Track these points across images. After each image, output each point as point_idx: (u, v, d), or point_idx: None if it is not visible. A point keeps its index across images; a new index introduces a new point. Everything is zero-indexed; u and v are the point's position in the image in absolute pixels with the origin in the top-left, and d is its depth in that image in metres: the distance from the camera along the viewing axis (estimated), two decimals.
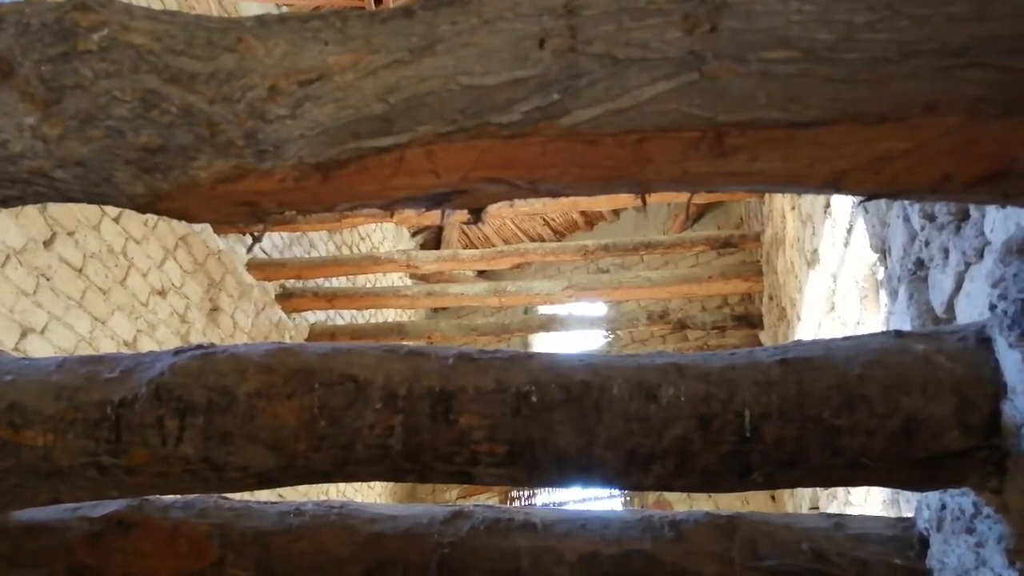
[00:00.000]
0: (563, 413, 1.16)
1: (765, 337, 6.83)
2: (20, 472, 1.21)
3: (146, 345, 5.28)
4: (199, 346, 1.32)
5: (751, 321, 6.98)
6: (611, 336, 8.49)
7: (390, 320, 8.08)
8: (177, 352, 1.30)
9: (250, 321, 6.36)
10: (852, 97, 0.65)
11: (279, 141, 0.70)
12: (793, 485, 1.19)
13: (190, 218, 0.78)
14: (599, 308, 7.73)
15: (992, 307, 1.23)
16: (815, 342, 1.25)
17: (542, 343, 8.83)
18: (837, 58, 0.65)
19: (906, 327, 2.04)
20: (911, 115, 0.65)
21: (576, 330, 7.59)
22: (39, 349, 4.48)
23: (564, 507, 7.16)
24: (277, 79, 0.69)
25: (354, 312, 7.77)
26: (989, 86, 0.63)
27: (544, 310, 7.34)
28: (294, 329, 7.01)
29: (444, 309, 8.09)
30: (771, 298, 6.03)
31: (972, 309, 1.59)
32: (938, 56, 0.65)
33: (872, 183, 0.73)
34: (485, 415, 1.17)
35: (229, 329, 6.15)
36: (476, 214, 0.82)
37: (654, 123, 0.67)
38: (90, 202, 0.77)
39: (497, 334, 7.41)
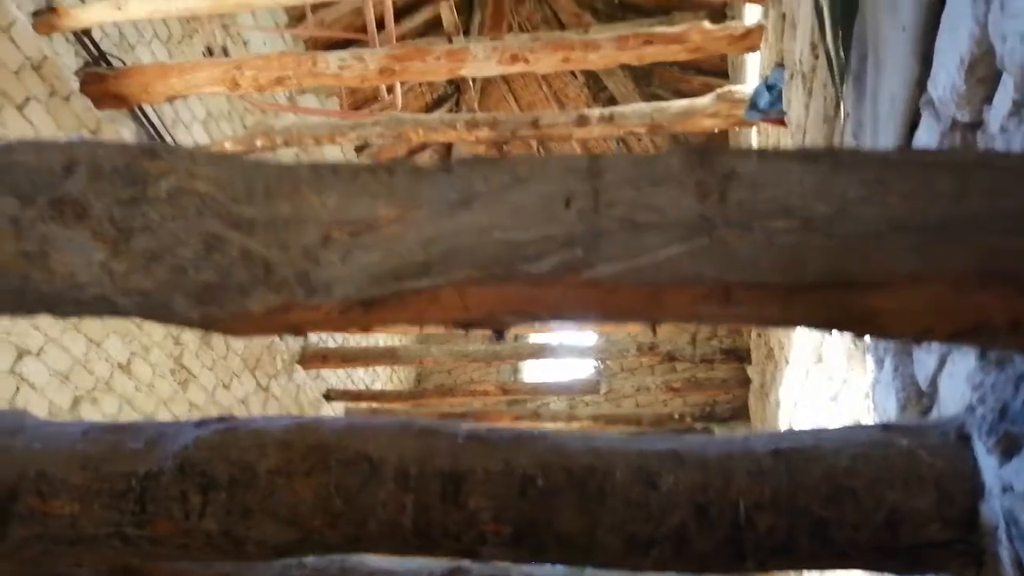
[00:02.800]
0: (567, 497, 1.23)
1: (752, 372, 6.91)
2: (46, 540, 1.27)
3: (139, 367, 5.30)
4: (220, 418, 1.39)
5: (739, 355, 7.06)
6: (601, 366, 8.56)
7: (381, 344, 8.11)
8: (200, 424, 1.36)
9: (242, 343, 6.38)
10: (844, 267, 0.73)
11: (328, 281, 0.77)
12: (785, 570, 1.27)
13: (236, 335, 0.86)
14: (589, 338, 7.82)
15: (971, 408, 1.31)
16: (806, 432, 1.33)
17: (532, 370, 8.89)
18: (833, 230, 0.73)
19: (890, 398, 2.12)
20: (896, 284, 0.73)
21: (566, 359, 7.64)
22: (35, 372, 4.50)
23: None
24: (330, 228, 0.76)
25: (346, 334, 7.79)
26: (968, 262, 0.72)
27: (535, 338, 7.41)
28: (286, 352, 7.03)
29: (435, 334, 8.15)
30: (759, 335, 6.11)
31: (955, 389, 1.67)
32: (922, 232, 0.73)
33: (860, 329, 0.82)
34: (492, 496, 1.23)
35: (222, 351, 6.17)
36: (499, 333, 0.89)
37: (668, 279, 0.75)
38: (144, 319, 0.84)
39: (488, 361, 7.45)
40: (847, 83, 2.29)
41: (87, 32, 4.81)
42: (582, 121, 5.15)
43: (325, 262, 0.77)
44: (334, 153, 7.84)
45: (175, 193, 0.76)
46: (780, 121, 3.97)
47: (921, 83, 1.66)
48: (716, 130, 5.45)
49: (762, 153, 0.78)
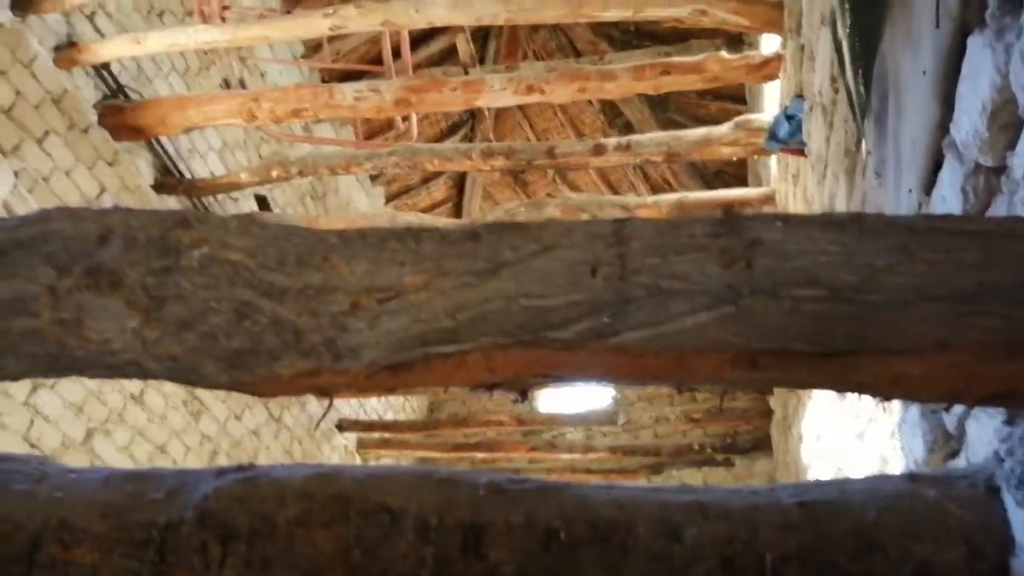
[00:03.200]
0: (590, 551, 1.23)
1: (775, 403, 6.86)
2: None
3: (152, 398, 5.34)
4: (240, 467, 1.40)
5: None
6: (618, 395, 8.52)
7: None
8: (220, 473, 1.38)
9: None
10: (873, 335, 0.74)
11: (356, 347, 0.79)
12: None
13: (264, 396, 0.88)
14: None
15: (1000, 459, 1.31)
16: (832, 482, 1.33)
17: (548, 399, 8.87)
18: (860, 299, 0.75)
19: (917, 440, 2.11)
20: (925, 351, 0.74)
21: (583, 388, 7.63)
22: (49, 404, 4.54)
23: None
24: (359, 296, 0.78)
25: None
26: (995, 332, 0.73)
27: None
28: None
29: None
30: None
31: (982, 433, 1.67)
32: (949, 301, 0.74)
33: (889, 393, 0.82)
34: (514, 550, 1.24)
35: None
36: (523, 394, 0.91)
37: (695, 345, 0.77)
38: (173, 382, 0.86)
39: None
40: (868, 120, 2.30)
41: (106, 66, 4.91)
42: (599, 150, 5.18)
43: (353, 328, 0.79)
44: (349, 182, 7.92)
45: (208, 262, 0.79)
46: (800, 152, 3.99)
47: (943, 126, 1.67)
48: (734, 158, 5.47)
49: (787, 219, 0.80)
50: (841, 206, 3.04)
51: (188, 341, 0.79)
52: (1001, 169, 1.50)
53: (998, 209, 1.52)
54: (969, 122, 1.52)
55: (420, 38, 6.91)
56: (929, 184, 1.82)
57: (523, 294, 0.79)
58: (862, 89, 2.26)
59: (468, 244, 0.81)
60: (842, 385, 0.81)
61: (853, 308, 0.75)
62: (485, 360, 0.81)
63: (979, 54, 1.45)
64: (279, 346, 0.79)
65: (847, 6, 2.28)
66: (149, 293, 0.79)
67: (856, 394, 0.84)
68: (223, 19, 4.85)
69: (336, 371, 0.81)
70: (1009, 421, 1.26)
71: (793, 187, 4.56)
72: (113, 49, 4.58)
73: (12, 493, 1.37)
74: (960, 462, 1.84)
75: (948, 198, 1.71)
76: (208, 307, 0.78)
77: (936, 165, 1.78)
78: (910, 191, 1.94)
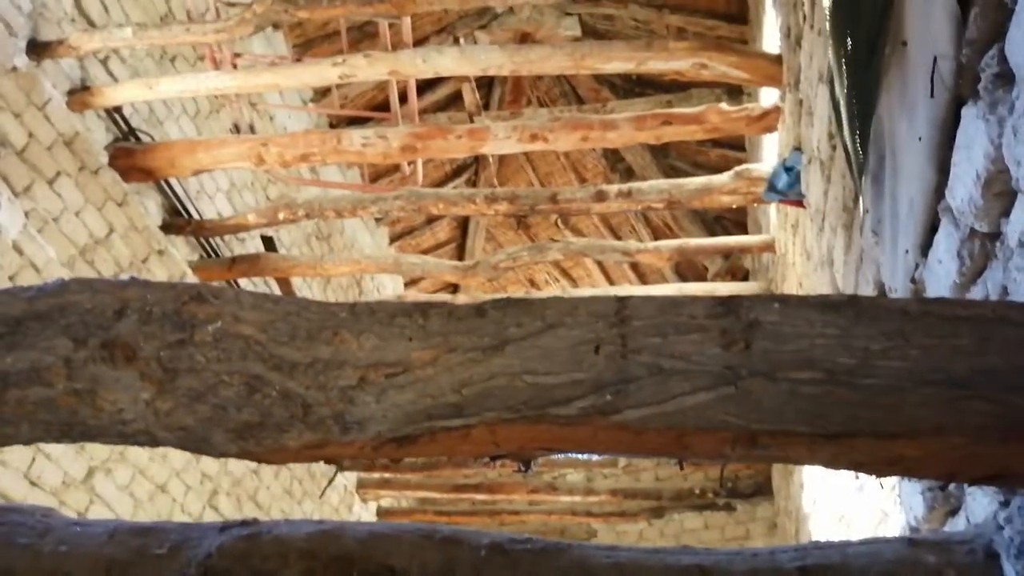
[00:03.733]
0: None
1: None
2: None
3: None
4: (244, 522, 1.40)
5: None
6: None
7: None
8: (223, 529, 1.38)
9: None
10: (870, 417, 0.75)
11: (363, 420, 0.81)
12: None
13: (270, 464, 0.89)
14: None
15: (999, 526, 1.31)
16: (832, 546, 1.32)
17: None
18: (856, 382, 0.76)
19: (917, 496, 2.11)
20: (921, 435, 0.75)
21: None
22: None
23: None
24: (367, 371, 0.80)
25: None
26: (988, 416, 0.74)
27: None
28: None
29: None
30: None
31: (982, 494, 1.66)
32: (944, 386, 0.75)
33: (886, 471, 0.83)
34: None
35: None
36: (526, 465, 0.92)
37: (695, 425, 0.78)
38: (182, 450, 0.87)
39: None
40: (865, 179, 2.34)
41: (118, 109, 4.98)
42: (600, 196, 5.23)
43: (361, 402, 0.81)
44: (354, 223, 7.98)
45: (221, 337, 0.80)
46: (799, 203, 4.03)
47: (939, 190, 1.70)
48: (734, 206, 5.51)
49: (785, 301, 0.82)
50: (839, 259, 3.06)
51: (199, 413, 0.81)
52: (996, 235, 1.52)
53: (993, 274, 1.54)
54: (964, 189, 1.54)
55: (426, 84, 7.02)
56: (925, 245, 1.84)
57: (527, 371, 0.80)
58: (859, 149, 2.29)
59: (474, 320, 0.83)
60: (840, 464, 0.82)
61: (850, 392, 0.76)
62: (490, 434, 0.82)
63: (973, 125, 1.48)
64: (287, 419, 0.81)
65: (844, 68, 2.33)
66: (163, 366, 0.80)
67: (854, 471, 0.85)
68: (234, 66, 4.94)
69: (343, 443, 0.82)
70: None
71: (792, 236, 4.59)
72: (126, 93, 4.65)
73: (16, 547, 1.37)
74: (960, 520, 1.83)
75: (944, 261, 1.73)
76: (220, 380, 0.80)
77: (932, 227, 1.80)
78: (907, 252, 1.96)
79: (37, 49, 4.48)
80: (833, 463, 0.82)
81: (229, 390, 0.80)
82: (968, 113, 1.51)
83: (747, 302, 0.81)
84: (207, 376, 0.80)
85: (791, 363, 0.77)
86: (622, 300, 0.83)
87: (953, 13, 1.49)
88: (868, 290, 2.55)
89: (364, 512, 8.20)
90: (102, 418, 0.82)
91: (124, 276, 5.01)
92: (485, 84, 8.08)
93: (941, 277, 1.78)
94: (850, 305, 0.80)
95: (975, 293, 1.63)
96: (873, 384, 0.76)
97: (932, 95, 1.61)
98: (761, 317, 0.80)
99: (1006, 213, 1.46)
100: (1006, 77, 1.39)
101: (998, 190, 1.45)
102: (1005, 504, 1.36)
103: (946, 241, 1.71)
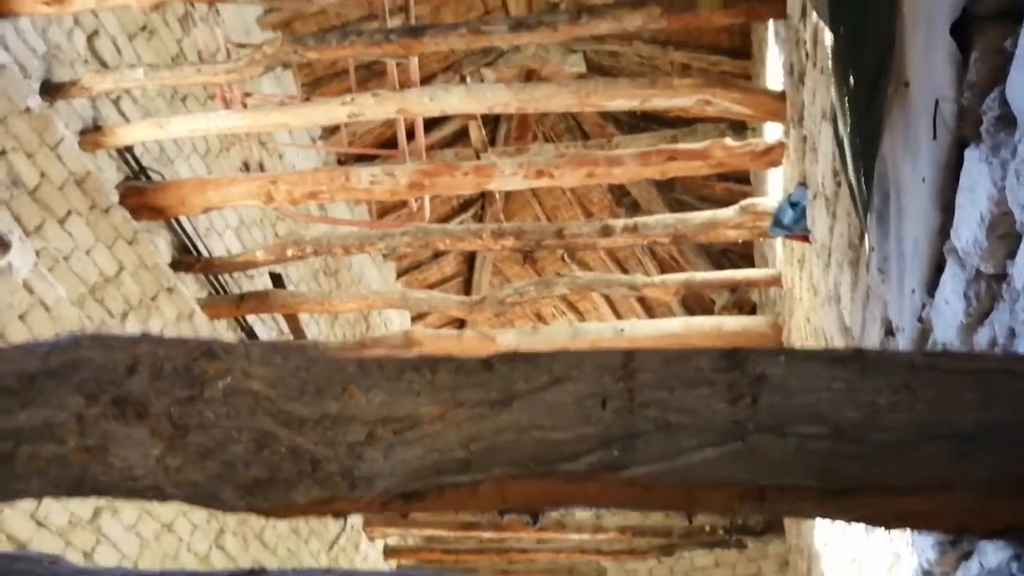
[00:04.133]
0: None
1: None
2: None
3: None
4: (251, 571, 1.40)
5: None
6: None
7: None
8: None
9: None
10: (878, 473, 0.75)
11: (371, 476, 0.81)
12: None
13: (279, 519, 0.89)
14: None
15: (1011, 574, 1.30)
16: None
17: None
18: (864, 437, 0.76)
19: (929, 539, 2.08)
20: (929, 490, 0.75)
21: None
22: None
23: None
24: (375, 427, 0.80)
25: None
26: (997, 471, 0.74)
27: None
28: None
29: None
30: None
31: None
32: (951, 441, 0.75)
33: (896, 525, 0.83)
34: None
35: None
36: (534, 518, 0.91)
37: (703, 480, 0.78)
38: (191, 504, 0.87)
39: None
40: (870, 217, 2.35)
41: (129, 148, 5.05)
42: (606, 231, 5.25)
43: (369, 458, 0.81)
44: (362, 258, 8.01)
45: (231, 393, 0.81)
46: (805, 238, 4.03)
47: (944, 231, 1.71)
48: (740, 240, 5.52)
49: (791, 354, 0.82)
50: (846, 296, 3.06)
51: (209, 469, 0.81)
52: (1002, 277, 1.53)
53: (1000, 316, 1.54)
54: (969, 231, 1.55)
55: (433, 120, 7.09)
56: (932, 285, 1.85)
57: (535, 426, 0.80)
58: (864, 187, 2.30)
59: (482, 375, 0.83)
60: (849, 518, 0.82)
61: (857, 447, 0.76)
62: (498, 490, 0.82)
63: (976, 167, 1.49)
64: (296, 475, 0.81)
65: (847, 106, 2.35)
66: (173, 422, 0.81)
67: (864, 525, 0.85)
68: (244, 105, 5.00)
69: (351, 499, 0.83)
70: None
71: (799, 271, 4.60)
72: (137, 133, 4.72)
73: None
74: (973, 565, 1.81)
75: (951, 301, 1.73)
76: (229, 436, 0.80)
77: (938, 267, 1.80)
78: (913, 291, 1.96)
79: (50, 90, 4.55)
80: (842, 517, 0.82)
81: (238, 446, 0.80)
82: (971, 155, 1.52)
83: (753, 355, 0.82)
84: (216, 432, 0.81)
85: (798, 418, 0.78)
86: (628, 354, 0.84)
87: (954, 56, 1.51)
88: (875, 328, 2.54)
89: (371, 550, 8.13)
90: (112, 474, 0.82)
91: (133, 314, 5.03)
92: (491, 120, 8.16)
93: (948, 317, 1.78)
94: (856, 358, 0.80)
95: (982, 334, 1.63)
96: (880, 439, 0.76)
97: (935, 137, 1.62)
98: (767, 371, 0.80)
99: (1011, 255, 1.47)
100: (1008, 120, 1.40)
101: (1002, 232, 1.46)
102: (1017, 557, 1.35)
103: (952, 281, 1.72)
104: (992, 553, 1.65)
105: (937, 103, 1.60)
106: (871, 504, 0.78)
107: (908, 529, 0.84)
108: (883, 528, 0.84)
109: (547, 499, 0.84)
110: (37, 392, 0.83)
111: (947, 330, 1.79)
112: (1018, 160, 1.33)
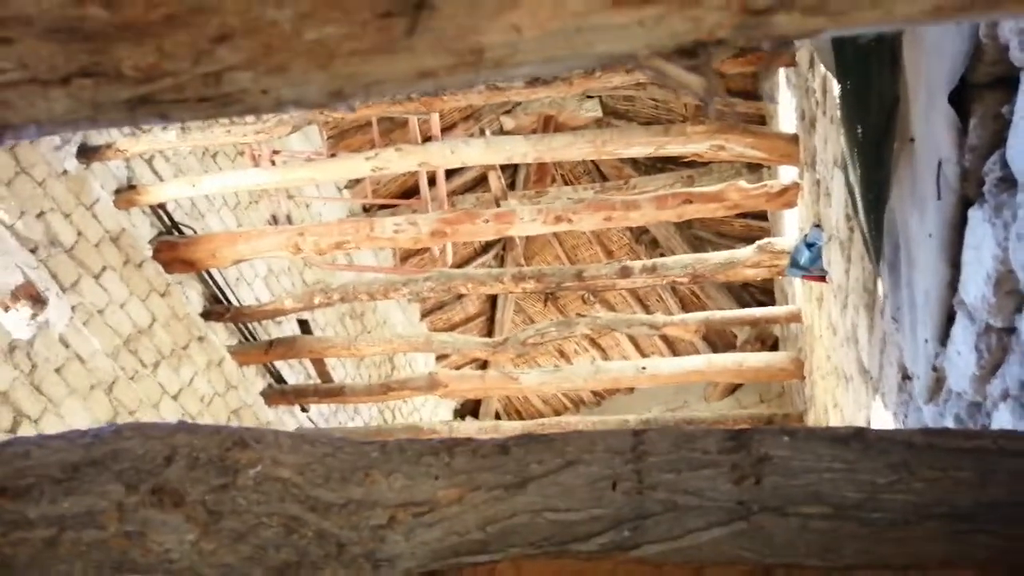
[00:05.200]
0: None
1: None
2: None
3: None
4: None
5: None
6: None
7: None
8: None
9: None
10: (879, 552, 0.77)
11: (393, 557, 0.84)
12: None
13: None
14: None
15: None
16: None
17: None
18: (864, 516, 0.78)
19: None
20: (929, 568, 0.77)
21: None
22: None
23: None
24: (396, 511, 0.84)
25: None
26: (994, 550, 0.76)
27: None
28: None
29: None
30: None
31: None
32: (949, 520, 0.77)
33: None
34: None
35: None
36: None
37: (711, 559, 0.80)
38: None
39: None
40: (883, 264, 2.36)
41: (162, 205, 5.19)
42: (625, 272, 5.28)
43: (391, 540, 0.84)
44: (387, 302, 8.10)
45: (261, 480, 0.85)
46: (821, 279, 4.04)
47: (953, 285, 1.72)
48: (758, 279, 5.53)
49: (793, 434, 0.85)
50: (863, 338, 3.06)
51: (241, 552, 0.85)
52: (1011, 330, 1.54)
53: (1011, 369, 1.55)
54: (976, 287, 1.57)
55: (455, 169, 7.20)
56: (944, 336, 1.85)
57: (549, 508, 0.83)
58: (875, 237, 2.32)
59: (498, 458, 0.86)
60: None
61: (858, 526, 0.78)
62: (514, 569, 0.85)
63: (980, 227, 1.52)
64: (323, 557, 0.84)
65: (856, 157, 2.38)
66: (208, 509, 0.85)
67: None
68: (273, 162, 5.13)
69: None
70: None
71: (818, 309, 4.59)
72: (170, 191, 4.85)
73: None
74: None
75: (963, 353, 1.74)
76: (260, 522, 0.84)
77: (949, 319, 1.81)
78: (926, 341, 1.97)
79: (87, 153, 4.71)
80: None
81: (268, 531, 0.84)
82: (975, 215, 1.54)
83: (757, 436, 0.85)
84: (248, 518, 0.85)
85: (800, 498, 0.80)
86: (638, 435, 0.87)
87: (953, 122, 1.54)
88: (892, 372, 2.54)
89: None
90: (150, 558, 0.86)
91: (165, 363, 5.11)
92: (511, 165, 8.26)
93: (961, 367, 1.79)
94: (856, 438, 0.83)
95: (995, 386, 1.64)
96: (880, 518, 0.78)
97: (939, 198, 1.65)
98: (771, 451, 0.83)
99: (1019, 310, 1.48)
100: (1009, 182, 1.43)
101: (1009, 288, 1.47)
102: None
103: (963, 334, 1.73)
104: None
105: (940, 164, 1.63)
106: None
107: None
108: None
109: (561, 575, 0.87)
110: (80, 481, 0.87)
111: (960, 380, 1.80)
112: (1019, 223, 1.35)
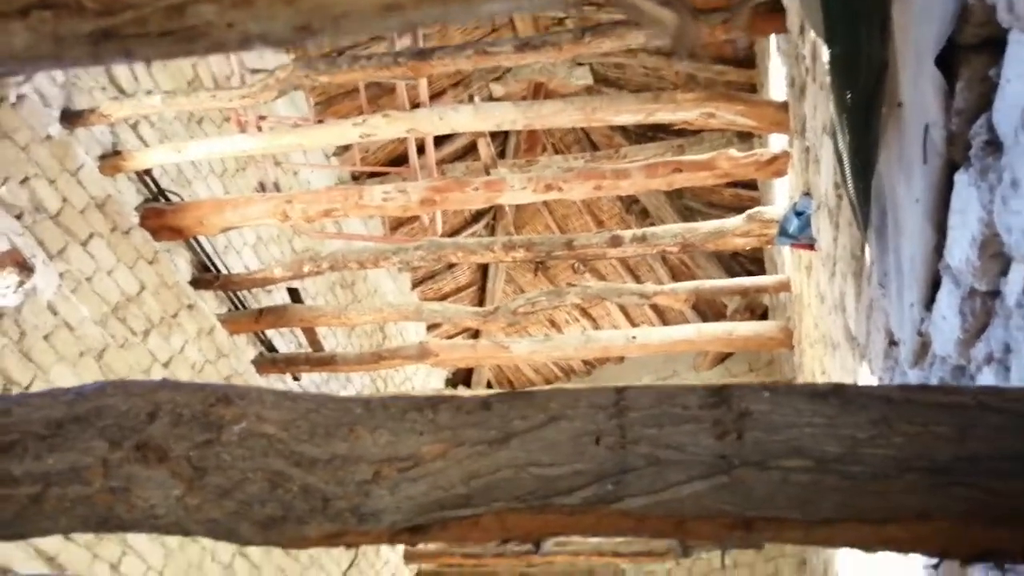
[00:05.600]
0: None
1: None
2: None
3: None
4: None
5: None
6: None
7: None
8: None
9: None
10: (858, 504, 0.78)
11: (378, 511, 0.85)
12: None
13: (292, 550, 0.93)
14: None
15: None
16: None
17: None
18: (844, 470, 0.79)
19: None
20: (907, 520, 0.78)
21: None
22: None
23: None
24: (381, 466, 0.84)
25: None
26: (973, 502, 0.77)
27: None
28: None
29: None
30: None
31: None
32: (928, 473, 0.78)
33: (878, 551, 0.86)
34: None
35: None
36: (536, 545, 0.95)
37: (692, 512, 0.81)
38: (210, 538, 0.91)
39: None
40: (870, 231, 2.37)
41: (148, 171, 5.13)
42: (615, 241, 5.28)
43: (376, 495, 0.85)
44: (377, 270, 8.08)
45: (246, 436, 0.85)
46: (810, 247, 4.05)
47: (939, 249, 1.73)
48: (747, 248, 5.54)
49: (774, 390, 0.85)
50: (851, 306, 3.07)
51: (226, 507, 0.85)
52: (995, 294, 1.55)
53: (995, 332, 1.56)
54: (961, 251, 1.57)
55: (444, 136, 7.15)
56: (929, 301, 1.86)
57: (532, 463, 0.84)
58: (862, 203, 2.33)
59: (481, 414, 0.87)
60: (834, 544, 0.85)
61: (838, 479, 0.79)
62: (498, 523, 0.86)
63: (966, 191, 1.52)
64: (308, 511, 0.85)
65: (845, 123, 2.37)
66: (192, 465, 0.85)
67: (850, 549, 0.88)
68: (259, 128, 5.08)
69: (360, 533, 0.87)
70: None
71: (807, 278, 4.61)
72: (155, 157, 4.80)
73: None
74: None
75: (948, 317, 1.75)
76: (245, 477, 0.85)
77: (934, 283, 1.82)
78: (912, 305, 1.98)
79: (70, 118, 4.64)
80: (827, 544, 0.85)
81: (253, 486, 0.84)
82: (960, 179, 1.54)
83: (738, 392, 0.85)
84: (233, 473, 0.85)
85: (781, 452, 0.81)
86: (620, 392, 0.87)
87: (941, 85, 1.53)
88: (879, 338, 2.56)
89: (392, 554, 8.16)
90: (135, 513, 0.87)
91: (155, 331, 5.10)
92: (501, 133, 8.21)
93: (946, 332, 1.80)
94: (836, 394, 0.83)
95: (979, 349, 1.65)
96: (860, 471, 0.79)
97: (925, 162, 1.64)
98: (752, 407, 0.84)
99: (1003, 273, 1.49)
100: (995, 146, 1.43)
101: (993, 252, 1.48)
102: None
103: (948, 298, 1.74)
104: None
105: (927, 129, 1.62)
106: (853, 533, 0.81)
107: (891, 552, 0.87)
108: (866, 552, 0.87)
109: (546, 530, 0.88)
110: (64, 438, 0.87)
111: (946, 344, 1.81)
112: (1004, 186, 1.35)
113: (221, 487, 0.85)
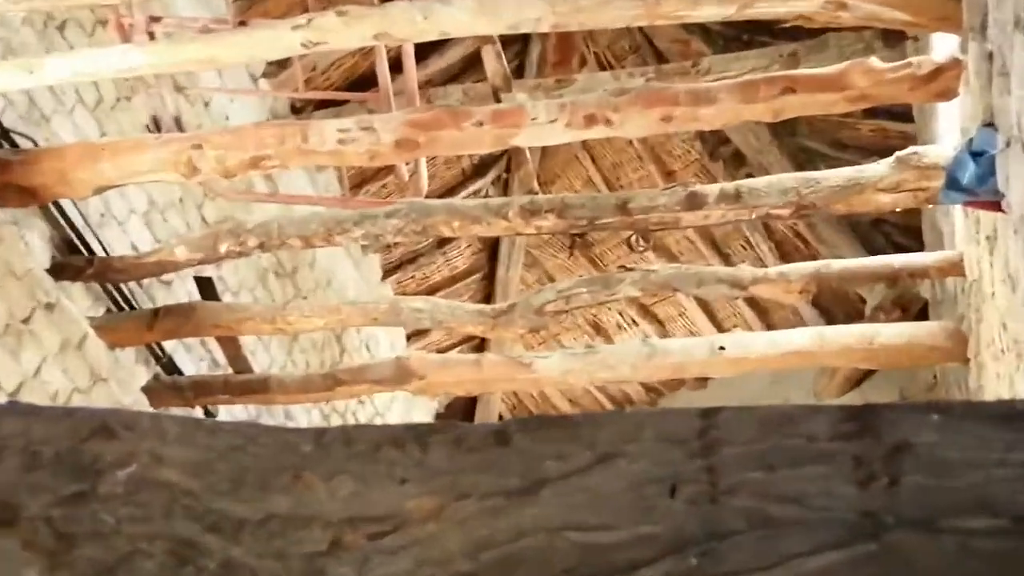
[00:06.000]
0: None
1: None
2: None
3: None
4: None
5: None
6: None
7: None
8: None
9: None
10: None
11: None
12: None
13: None
14: None
15: None
16: None
17: None
18: None
19: None
20: None
21: None
22: None
23: None
24: (341, 530, 0.84)
25: None
26: None
27: None
28: None
29: None
30: None
31: None
32: None
33: None
34: None
35: None
36: None
37: None
38: None
39: None
40: None
41: None
42: (694, 202, 5.27)
43: (334, 575, 0.85)
44: (332, 250, 8.11)
45: (136, 486, 0.85)
46: (995, 206, 4.02)
47: None
48: (897, 209, 5.51)
49: (947, 411, 0.84)
50: None
51: None
52: None
53: None
54: None
55: (430, 46, 7.17)
56: None
57: (572, 525, 0.83)
58: None
59: (494, 451, 0.86)
60: None
61: None
62: None
63: None
64: None
65: None
66: (55, 530, 0.85)
67: None
68: (151, 35, 5.10)
69: None
70: None
71: (988, 254, 4.58)
72: None
73: None
74: None
75: None
76: (136, 548, 0.85)
77: None
78: None
79: None
80: None
81: (148, 562, 0.84)
82: None
83: (891, 415, 0.84)
84: (118, 543, 0.85)
85: (958, 506, 0.80)
86: (707, 415, 0.86)
87: None
88: None
89: None
90: None
91: None
92: (518, 39, 8.22)
93: None
94: None
95: None
96: None
97: None
98: (912, 438, 0.83)
99: None
100: None
101: None
102: None
103: None
104: None
105: None
106: None
107: None
108: None
109: None
110: None
111: None
112: None
113: (99, 563, 0.85)
